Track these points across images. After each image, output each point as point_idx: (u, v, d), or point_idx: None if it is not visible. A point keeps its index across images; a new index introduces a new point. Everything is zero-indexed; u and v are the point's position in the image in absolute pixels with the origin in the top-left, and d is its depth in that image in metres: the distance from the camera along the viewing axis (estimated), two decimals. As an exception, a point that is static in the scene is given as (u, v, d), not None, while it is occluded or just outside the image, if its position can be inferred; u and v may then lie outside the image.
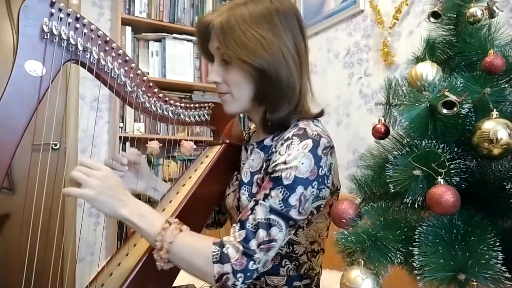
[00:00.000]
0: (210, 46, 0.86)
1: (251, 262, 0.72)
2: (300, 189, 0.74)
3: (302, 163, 0.74)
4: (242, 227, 0.74)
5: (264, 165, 0.84)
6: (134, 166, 0.97)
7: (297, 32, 0.83)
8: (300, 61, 0.83)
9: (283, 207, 0.73)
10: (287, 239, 0.79)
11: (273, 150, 0.83)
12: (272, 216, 0.73)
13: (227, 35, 0.78)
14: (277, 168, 0.75)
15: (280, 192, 0.74)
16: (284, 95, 0.81)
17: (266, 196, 0.75)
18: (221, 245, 0.73)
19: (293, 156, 0.75)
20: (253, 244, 0.72)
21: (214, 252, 0.72)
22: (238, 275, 0.71)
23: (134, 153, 0.97)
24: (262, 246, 0.72)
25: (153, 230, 0.74)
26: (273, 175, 0.76)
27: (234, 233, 0.74)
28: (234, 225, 0.76)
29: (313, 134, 0.78)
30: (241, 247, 0.72)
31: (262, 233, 0.72)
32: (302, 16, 0.88)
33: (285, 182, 0.74)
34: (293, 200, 0.73)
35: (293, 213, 0.74)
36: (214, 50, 0.85)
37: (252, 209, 0.75)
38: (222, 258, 0.71)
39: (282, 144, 0.79)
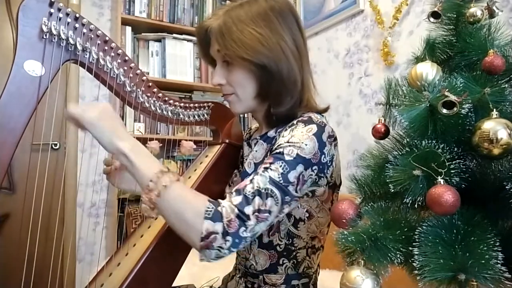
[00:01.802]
0: (211, 50, 0.88)
1: (243, 228, 0.68)
2: (300, 167, 0.73)
3: (306, 144, 0.74)
4: (239, 193, 0.71)
5: (268, 155, 0.85)
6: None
7: (295, 28, 0.85)
8: (300, 55, 0.85)
9: (281, 180, 0.72)
10: (280, 216, 0.77)
11: (277, 139, 0.84)
12: (271, 187, 0.71)
13: (225, 36, 0.80)
14: (279, 145, 0.76)
15: (280, 166, 0.73)
16: (286, 89, 0.83)
17: (266, 169, 0.73)
18: (217, 204, 0.69)
19: (297, 137, 0.75)
20: (248, 209, 0.68)
21: (208, 208, 0.67)
22: (227, 237, 0.66)
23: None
24: (256, 214, 0.69)
25: (149, 171, 0.68)
26: (275, 152, 0.76)
27: (230, 198, 0.71)
28: (230, 192, 0.73)
29: (318, 120, 0.79)
30: (236, 210, 0.68)
31: (258, 200, 0.69)
32: (298, 13, 0.90)
33: (286, 158, 0.73)
34: (291, 177, 0.72)
35: (291, 189, 0.73)
36: (215, 53, 0.87)
37: (251, 180, 0.72)
38: (215, 216, 0.67)
39: (286, 130, 0.80)
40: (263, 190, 0.71)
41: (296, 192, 0.74)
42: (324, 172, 0.78)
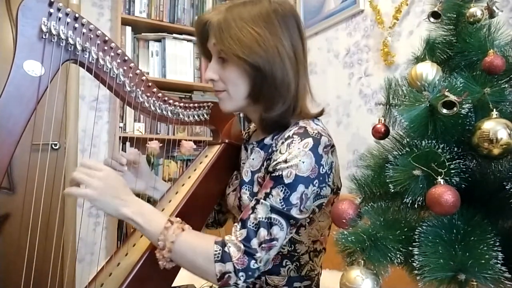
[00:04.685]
0: (208, 44, 0.87)
1: (253, 261, 0.72)
2: (301, 187, 0.74)
3: (303, 162, 0.74)
4: (243, 226, 0.74)
5: (265, 163, 0.84)
6: (134, 166, 0.97)
7: (295, 33, 0.84)
8: (297, 61, 0.83)
9: (284, 206, 0.73)
10: (289, 237, 0.79)
11: (274, 148, 0.83)
12: (273, 215, 0.73)
13: (224, 31, 0.79)
14: (278, 167, 0.76)
15: (281, 191, 0.74)
16: (278, 94, 0.81)
17: (267, 195, 0.75)
18: (223, 244, 0.73)
19: (294, 154, 0.75)
20: (254, 243, 0.72)
21: (215, 251, 0.72)
22: (240, 274, 0.71)
23: (134, 152, 0.97)
24: (263, 245, 0.73)
25: (156, 229, 0.75)
26: (274, 174, 0.76)
27: (235, 232, 0.75)
28: (235, 224, 0.76)
29: (313, 132, 0.78)
30: (242, 246, 0.72)
31: (263, 232, 0.73)
32: (301, 19, 0.89)
33: (286, 181, 0.74)
34: (294, 198, 0.74)
35: (294, 212, 0.74)
36: (211, 47, 0.86)
37: (253, 208, 0.75)
38: (224, 257, 0.72)
39: (282, 143, 0.79)
40: (266, 220, 0.74)
41: (301, 212, 0.75)
42: (326, 181, 0.78)
